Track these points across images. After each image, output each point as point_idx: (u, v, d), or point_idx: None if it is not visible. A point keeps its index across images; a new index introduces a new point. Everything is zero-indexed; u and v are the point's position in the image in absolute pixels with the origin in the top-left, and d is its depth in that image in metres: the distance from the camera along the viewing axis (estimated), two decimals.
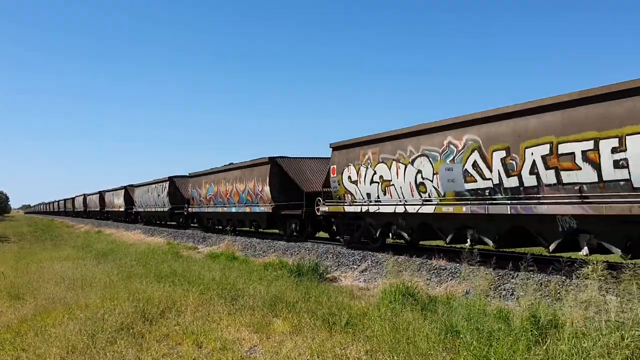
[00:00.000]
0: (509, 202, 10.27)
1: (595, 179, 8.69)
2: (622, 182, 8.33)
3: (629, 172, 8.18)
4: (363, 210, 14.52)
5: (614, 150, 8.36)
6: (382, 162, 13.79)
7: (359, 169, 14.70)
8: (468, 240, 11.75)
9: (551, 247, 9.93)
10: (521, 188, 10.03)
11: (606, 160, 8.48)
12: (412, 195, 12.80)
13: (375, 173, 14.08)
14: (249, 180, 20.95)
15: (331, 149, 16.37)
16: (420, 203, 12.51)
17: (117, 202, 44.65)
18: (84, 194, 65.34)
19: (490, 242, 11.21)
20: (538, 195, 9.73)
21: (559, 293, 8.40)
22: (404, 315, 7.25)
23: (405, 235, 13.65)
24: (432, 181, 12.12)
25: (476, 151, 10.93)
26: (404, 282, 9.00)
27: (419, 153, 12.51)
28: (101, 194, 53.25)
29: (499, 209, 10.42)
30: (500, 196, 10.50)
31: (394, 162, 13.35)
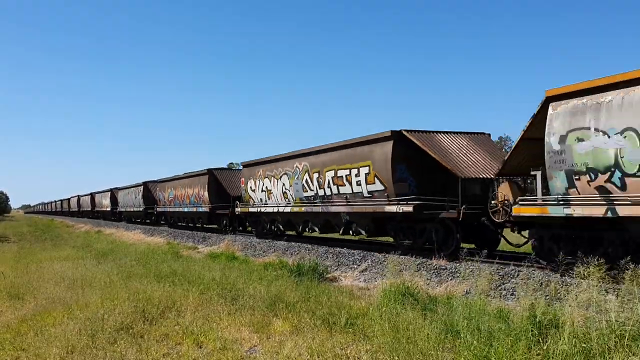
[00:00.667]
0: (321, 204, 16.48)
1: (351, 191, 15.04)
2: (359, 194, 14.66)
3: (361, 188, 14.49)
4: (258, 211, 20.72)
5: (355, 175, 14.68)
6: (267, 177, 20.10)
7: (256, 181, 20.97)
8: (307, 228, 18.04)
9: (340, 232, 16.20)
10: (326, 196, 16.27)
11: (353, 180, 14.80)
12: (282, 200, 19.04)
13: (263, 184, 20.36)
14: (195, 186, 27.09)
15: (242, 166, 23.01)
16: (285, 205, 18.74)
17: (105, 202, 50.58)
18: (78, 195, 69.31)
19: (317, 230, 17.42)
20: (332, 201, 15.98)
21: (559, 293, 8.40)
22: (404, 315, 7.24)
23: (281, 227, 19.92)
24: (289, 191, 18.39)
25: (307, 172, 17.22)
26: (404, 282, 9.00)
27: (283, 172, 18.85)
28: (92, 195, 57.78)
29: (317, 209, 16.68)
30: (318, 201, 16.67)
31: (272, 177, 19.65)
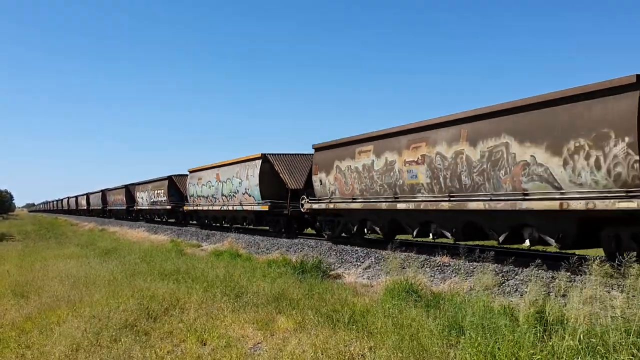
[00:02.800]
0: (152, 206, 38.09)
1: (159, 199, 36.05)
2: (161, 200, 35.61)
3: (162, 198, 34.95)
4: (140, 208, 41.94)
5: (161, 192, 35.11)
6: (142, 191, 40.25)
7: (139, 193, 41.19)
8: (151, 217, 41.26)
9: (162, 220, 38.19)
10: (156, 202, 36.86)
11: (160, 194, 35.39)
12: (146, 203, 39.43)
13: (141, 194, 40.89)
14: (120, 194, 48.76)
15: (132, 185, 44.49)
16: (147, 206, 39.42)
17: (83, 202, 71.77)
18: (68, 197, 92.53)
19: (158, 218, 39.69)
20: (157, 204, 36.48)
21: (564, 289, 8.37)
22: (407, 312, 7.23)
23: (149, 216, 41.37)
24: (149, 199, 38.12)
25: (148, 191, 38.45)
26: (408, 279, 8.99)
27: (145, 189, 39.35)
28: (77, 197, 79.38)
29: (162, 206, 35.58)
30: (153, 204, 37.65)
31: (143, 191, 40.12)
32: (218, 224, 27.79)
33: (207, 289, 9.84)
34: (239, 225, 24.71)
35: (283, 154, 20.72)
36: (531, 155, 9.64)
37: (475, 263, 10.64)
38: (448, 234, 12.26)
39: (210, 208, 26.19)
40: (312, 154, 17.72)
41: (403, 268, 11.03)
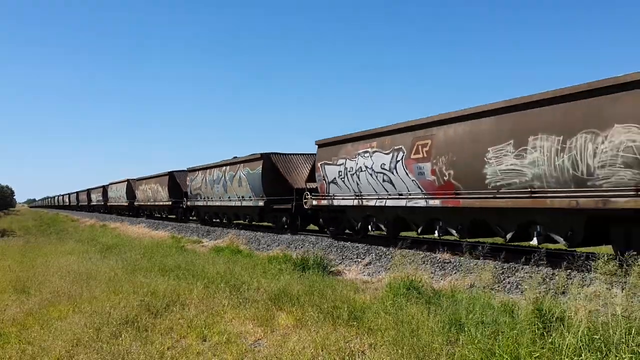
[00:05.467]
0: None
1: (99, 199, 61.38)
2: (100, 199, 59.26)
3: (101, 199, 59.24)
4: (93, 204, 65.76)
5: (99, 195, 60.23)
6: (94, 193, 63.95)
7: (93, 195, 64.59)
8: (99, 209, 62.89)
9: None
10: (99, 199, 61.56)
11: (99, 196, 60.51)
12: (95, 201, 61.37)
13: (93, 195, 64.78)
14: (84, 195, 71.25)
15: (89, 189, 68.09)
16: (95, 202, 62.16)
17: (69, 199, 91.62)
18: (59, 195, 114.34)
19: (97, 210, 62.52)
20: (98, 202, 61.91)
21: (564, 286, 8.37)
22: (407, 309, 7.23)
23: (99, 210, 61.16)
24: (97, 199, 60.41)
25: (97, 193, 61.11)
26: (408, 276, 8.99)
27: (95, 192, 62.25)
28: (69, 195, 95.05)
29: (98, 203, 61.02)
30: (101, 201, 60.72)
31: (94, 193, 63.46)
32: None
33: (207, 285, 9.85)
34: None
35: None
36: None
37: (476, 260, 10.65)
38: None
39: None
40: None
41: (403, 265, 11.04)
